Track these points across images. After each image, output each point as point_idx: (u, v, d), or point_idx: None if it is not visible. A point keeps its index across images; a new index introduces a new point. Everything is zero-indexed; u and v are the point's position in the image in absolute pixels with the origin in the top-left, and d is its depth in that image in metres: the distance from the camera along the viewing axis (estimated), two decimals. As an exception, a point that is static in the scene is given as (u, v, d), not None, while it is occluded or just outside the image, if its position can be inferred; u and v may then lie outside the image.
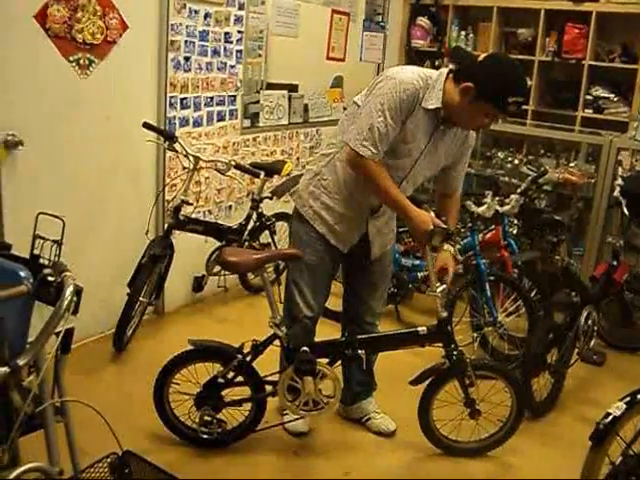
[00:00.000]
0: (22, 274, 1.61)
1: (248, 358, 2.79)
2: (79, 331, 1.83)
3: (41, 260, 1.93)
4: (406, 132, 2.58)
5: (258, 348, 2.80)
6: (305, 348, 2.73)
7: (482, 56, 2.57)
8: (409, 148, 2.63)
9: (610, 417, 2.25)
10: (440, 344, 2.79)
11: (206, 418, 2.83)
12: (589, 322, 3.48)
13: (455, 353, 2.77)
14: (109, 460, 1.80)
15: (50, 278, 1.63)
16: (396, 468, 2.91)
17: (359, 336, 2.84)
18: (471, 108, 2.53)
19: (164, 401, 2.89)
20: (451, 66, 2.65)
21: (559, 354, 3.38)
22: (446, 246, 2.75)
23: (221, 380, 2.81)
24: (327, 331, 3.10)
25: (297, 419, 2.96)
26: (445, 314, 2.77)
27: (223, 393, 2.85)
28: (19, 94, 3.13)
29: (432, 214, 2.65)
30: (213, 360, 2.85)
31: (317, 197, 2.79)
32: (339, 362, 2.87)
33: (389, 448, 3.04)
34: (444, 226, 2.66)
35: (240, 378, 2.84)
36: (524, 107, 5.33)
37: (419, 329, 2.78)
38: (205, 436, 2.86)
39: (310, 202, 2.81)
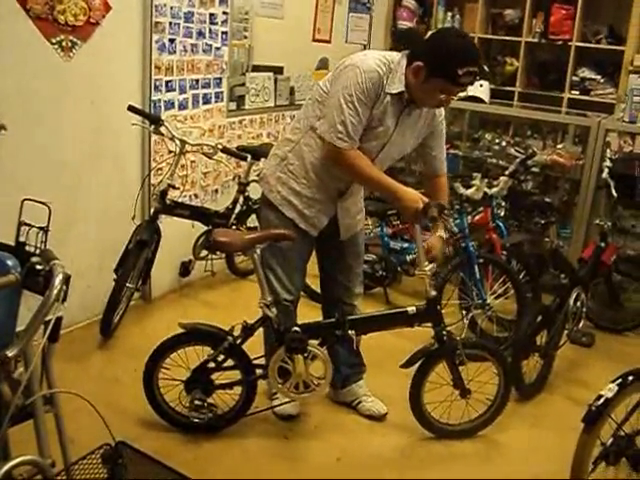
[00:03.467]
0: (9, 263, 1.57)
1: (238, 341, 2.77)
2: (65, 318, 1.80)
3: (27, 247, 1.89)
4: (373, 117, 2.60)
5: (248, 330, 2.79)
6: (296, 328, 2.73)
7: (429, 34, 2.60)
8: (376, 133, 2.65)
9: (602, 399, 2.26)
10: (429, 324, 2.80)
11: (196, 402, 2.81)
12: (578, 304, 3.49)
13: (444, 333, 2.79)
14: (101, 451, 1.78)
15: (38, 267, 1.60)
16: (388, 451, 2.91)
17: (349, 317, 2.84)
18: (426, 87, 2.55)
19: (154, 387, 2.86)
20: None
21: (548, 336, 3.39)
22: (439, 232, 2.79)
23: (211, 364, 2.80)
24: (313, 314, 3.09)
25: (287, 402, 2.96)
26: (434, 293, 2.78)
27: (213, 377, 2.83)
28: (0, 77, 3.06)
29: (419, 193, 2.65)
30: (203, 343, 2.83)
31: (284, 182, 2.79)
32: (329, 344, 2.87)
33: (380, 431, 3.04)
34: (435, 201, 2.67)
35: (230, 362, 2.82)
36: (514, 89, 5.40)
37: (408, 309, 2.79)
38: (196, 420, 2.85)
39: (278, 187, 2.80)
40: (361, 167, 2.61)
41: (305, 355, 2.76)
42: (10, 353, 1.44)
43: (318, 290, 3.28)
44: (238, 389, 2.88)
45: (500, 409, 3.01)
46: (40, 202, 1.95)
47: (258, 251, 2.69)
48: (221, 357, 2.80)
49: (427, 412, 2.96)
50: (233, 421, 2.91)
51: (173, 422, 2.90)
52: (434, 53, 2.49)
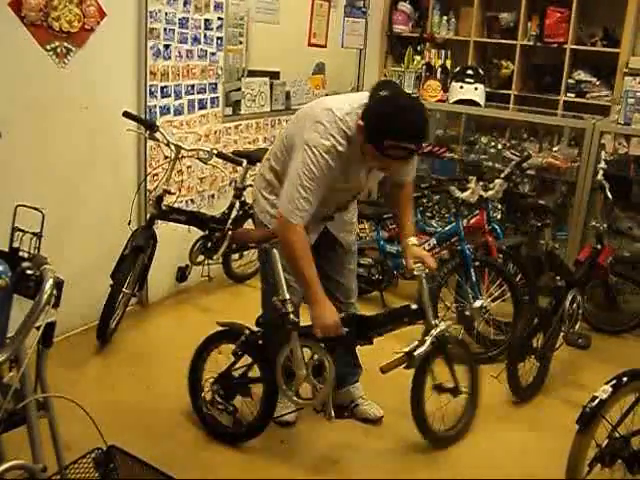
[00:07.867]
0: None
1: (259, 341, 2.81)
2: (62, 324, 1.81)
3: (20, 253, 1.90)
4: (335, 176, 2.52)
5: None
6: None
7: (382, 93, 2.42)
8: (337, 187, 2.60)
9: (596, 400, 2.26)
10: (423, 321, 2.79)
11: (218, 400, 2.86)
12: (574, 306, 3.49)
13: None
14: (93, 456, 1.78)
15: (29, 272, 1.60)
16: (385, 454, 2.91)
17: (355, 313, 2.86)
18: (366, 147, 2.44)
19: (197, 384, 2.93)
20: None
21: (545, 338, 3.39)
22: (413, 240, 2.81)
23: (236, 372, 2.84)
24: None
25: (288, 413, 2.96)
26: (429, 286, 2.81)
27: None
28: (-5, 84, 3.07)
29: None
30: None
31: (273, 204, 2.76)
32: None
33: (376, 434, 3.04)
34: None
35: (255, 374, 2.85)
36: (510, 92, 5.41)
37: (411, 305, 2.79)
38: (224, 423, 2.90)
39: (267, 208, 2.80)
40: (299, 250, 2.51)
41: (310, 357, 2.74)
42: (0, 358, 1.45)
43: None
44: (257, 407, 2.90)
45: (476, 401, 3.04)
46: (33, 208, 1.96)
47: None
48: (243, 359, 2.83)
49: (426, 415, 2.93)
50: (256, 431, 2.89)
51: (204, 421, 2.95)
52: (372, 116, 2.36)
